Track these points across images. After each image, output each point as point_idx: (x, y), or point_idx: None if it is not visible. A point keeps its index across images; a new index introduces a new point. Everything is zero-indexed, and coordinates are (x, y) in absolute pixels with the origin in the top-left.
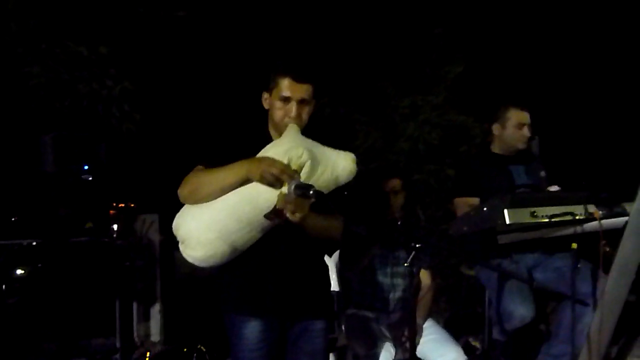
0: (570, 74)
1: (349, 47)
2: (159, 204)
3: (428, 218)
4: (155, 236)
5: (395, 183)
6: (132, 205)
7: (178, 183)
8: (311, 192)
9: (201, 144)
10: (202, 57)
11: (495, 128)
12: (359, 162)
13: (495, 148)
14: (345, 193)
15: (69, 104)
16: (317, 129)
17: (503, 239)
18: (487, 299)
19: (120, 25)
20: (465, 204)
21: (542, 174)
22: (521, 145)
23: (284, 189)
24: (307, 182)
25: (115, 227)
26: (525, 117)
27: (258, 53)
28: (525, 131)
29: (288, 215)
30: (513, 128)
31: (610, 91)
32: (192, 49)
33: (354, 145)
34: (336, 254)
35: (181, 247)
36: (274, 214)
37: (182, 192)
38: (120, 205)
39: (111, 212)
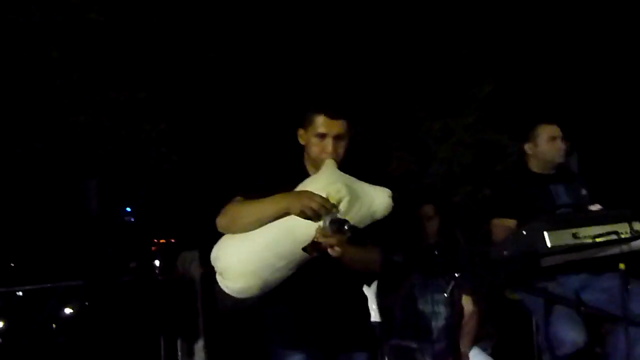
0: (607, 87)
1: (377, 73)
2: (199, 240)
3: (468, 239)
4: (196, 271)
5: (428, 209)
6: (173, 240)
7: (216, 218)
8: (346, 227)
9: (240, 176)
10: (237, 94)
11: (528, 147)
12: (394, 193)
13: (533, 166)
14: (381, 221)
15: (111, 149)
16: (352, 159)
17: (546, 262)
18: (534, 324)
19: (156, 69)
20: (503, 225)
21: (584, 192)
22: (558, 159)
23: (322, 223)
24: (344, 218)
25: (157, 263)
26: (555, 130)
27: (293, 87)
28: (559, 143)
29: (328, 249)
30: (545, 143)
31: None
32: (226, 86)
33: (389, 171)
34: (375, 284)
35: (219, 278)
36: (312, 247)
37: (221, 221)
38: (161, 241)
39: (153, 248)
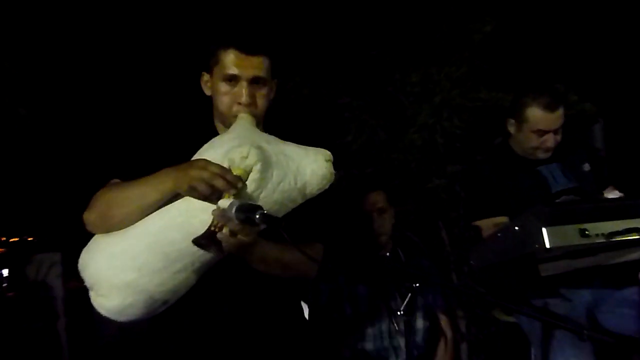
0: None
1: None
2: (64, 239)
3: (455, 240)
4: (56, 283)
5: (377, 198)
6: (30, 239)
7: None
8: (257, 215)
9: (117, 149)
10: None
11: (510, 124)
12: (345, 164)
13: (515, 147)
14: (318, 201)
15: None
16: (286, 121)
17: (546, 270)
18: (532, 354)
19: None
20: (493, 226)
21: (586, 167)
22: (540, 155)
23: (223, 202)
24: (255, 198)
25: (5, 272)
26: (549, 121)
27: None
28: (548, 140)
29: (227, 238)
30: (530, 133)
31: None
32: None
33: (345, 142)
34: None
35: (91, 294)
36: (207, 238)
37: (90, 215)
38: (12, 240)
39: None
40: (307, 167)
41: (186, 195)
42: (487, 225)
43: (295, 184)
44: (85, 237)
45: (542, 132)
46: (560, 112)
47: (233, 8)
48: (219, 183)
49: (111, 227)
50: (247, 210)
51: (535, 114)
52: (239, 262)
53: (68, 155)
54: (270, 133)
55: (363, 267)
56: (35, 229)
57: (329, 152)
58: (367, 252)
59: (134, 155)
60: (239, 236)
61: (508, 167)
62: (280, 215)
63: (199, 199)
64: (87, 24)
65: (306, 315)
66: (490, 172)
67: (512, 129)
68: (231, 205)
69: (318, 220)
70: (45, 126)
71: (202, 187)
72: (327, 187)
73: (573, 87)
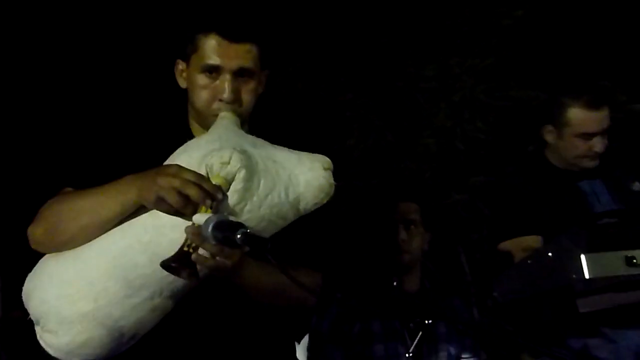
0: None
1: None
2: (2, 259)
3: (476, 267)
4: None
5: (408, 209)
6: None
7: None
8: (238, 235)
9: (70, 151)
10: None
11: (548, 131)
12: (346, 174)
13: (554, 159)
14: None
15: None
16: (276, 121)
17: (585, 305)
18: None
19: None
20: (521, 247)
21: (636, 187)
22: (587, 164)
23: (199, 217)
24: (237, 212)
25: None
26: (594, 122)
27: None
28: (596, 144)
29: (201, 264)
30: (573, 139)
31: None
32: None
33: (346, 147)
34: (307, 338)
35: (37, 330)
36: (179, 261)
37: (35, 230)
38: None
39: None
40: (301, 176)
41: (153, 209)
42: (516, 247)
43: (287, 196)
44: (31, 257)
45: (587, 136)
46: (606, 111)
47: None
48: (194, 193)
49: (61, 245)
50: (227, 228)
51: (578, 115)
52: (220, 287)
53: (11, 157)
54: (258, 135)
55: (376, 297)
56: None
57: (327, 159)
58: (381, 277)
59: (90, 158)
60: (218, 258)
61: (543, 181)
62: (268, 234)
63: (168, 213)
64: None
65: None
66: (522, 186)
67: (549, 137)
68: (207, 222)
69: (316, 241)
70: None
71: (173, 198)
72: (324, 201)
73: (621, 85)
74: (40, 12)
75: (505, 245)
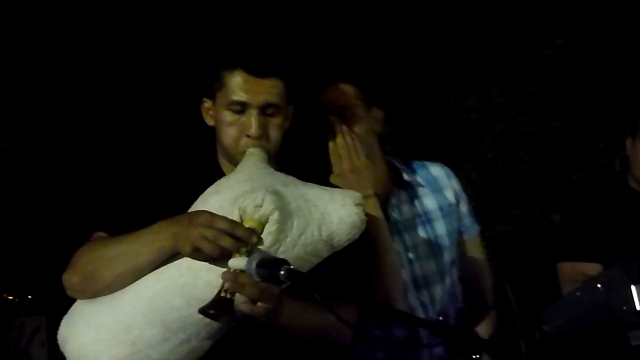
0: None
1: (361, 10)
2: (49, 299)
3: (523, 300)
4: (40, 353)
5: None
6: (11, 297)
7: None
8: (282, 271)
9: (103, 195)
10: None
11: (632, 146)
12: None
13: (631, 179)
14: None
15: None
16: (305, 157)
17: (637, 338)
18: None
19: None
20: (576, 273)
21: None
22: None
23: (235, 262)
24: (273, 251)
25: None
26: None
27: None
28: None
29: (243, 307)
30: None
31: None
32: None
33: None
34: None
35: None
36: (217, 307)
37: (71, 278)
38: None
39: None
40: (334, 214)
41: (187, 256)
42: (573, 271)
43: (320, 234)
44: (69, 300)
45: None
46: None
47: (240, 22)
48: (228, 243)
49: (97, 292)
50: (271, 265)
51: None
52: (257, 326)
53: (55, 201)
54: (286, 171)
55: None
56: (16, 287)
57: (359, 195)
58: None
59: (121, 201)
60: (259, 304)
61: (617, 202)
62: (303, 271)
63: (205, 261)
64: (71, 51)
65: None
66: (592, 205)
67: (631, 152)
68: (251, 259)
69: (350, 275)
70: (27, 166)
71: (208, 248)
72: (357, 236)
73: None
74: (70, 43)
75: (564, 266)
